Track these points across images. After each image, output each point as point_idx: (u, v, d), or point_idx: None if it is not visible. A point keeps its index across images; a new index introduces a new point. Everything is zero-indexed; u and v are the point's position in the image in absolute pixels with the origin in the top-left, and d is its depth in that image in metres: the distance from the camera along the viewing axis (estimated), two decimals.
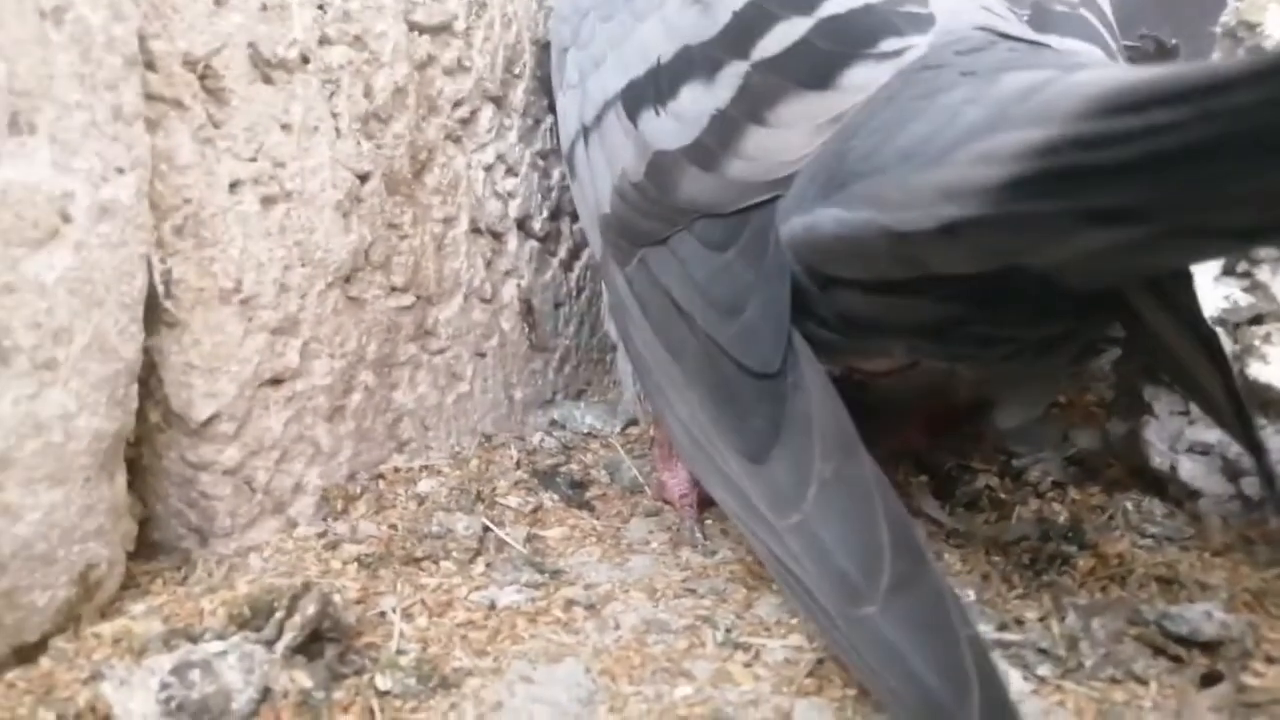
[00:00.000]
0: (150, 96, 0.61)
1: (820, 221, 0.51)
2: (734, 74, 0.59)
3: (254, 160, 0.67)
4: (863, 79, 0.54)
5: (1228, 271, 0.66)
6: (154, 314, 0.63)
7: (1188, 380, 0.61)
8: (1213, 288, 0.65)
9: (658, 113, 0.63)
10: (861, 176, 0.49)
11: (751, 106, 0.58)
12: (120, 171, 0.58)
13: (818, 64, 0.56)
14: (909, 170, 0.46)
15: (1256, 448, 0.56)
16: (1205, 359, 0.56)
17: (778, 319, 0.54)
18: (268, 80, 0.68)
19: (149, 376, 0.64)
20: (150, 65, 0.61)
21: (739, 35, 0.59)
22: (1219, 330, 0.62)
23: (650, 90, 0.64)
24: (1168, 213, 0.39)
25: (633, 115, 0.65)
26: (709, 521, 0.75)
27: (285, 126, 0.69)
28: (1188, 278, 0.58)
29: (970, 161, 0.42)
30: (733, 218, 0.58)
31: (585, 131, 0.73)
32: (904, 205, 0.45)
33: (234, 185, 0.66)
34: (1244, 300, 0.64)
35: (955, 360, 0.60)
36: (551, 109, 0.92)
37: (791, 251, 0.55)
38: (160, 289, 0.63)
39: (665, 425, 0.61)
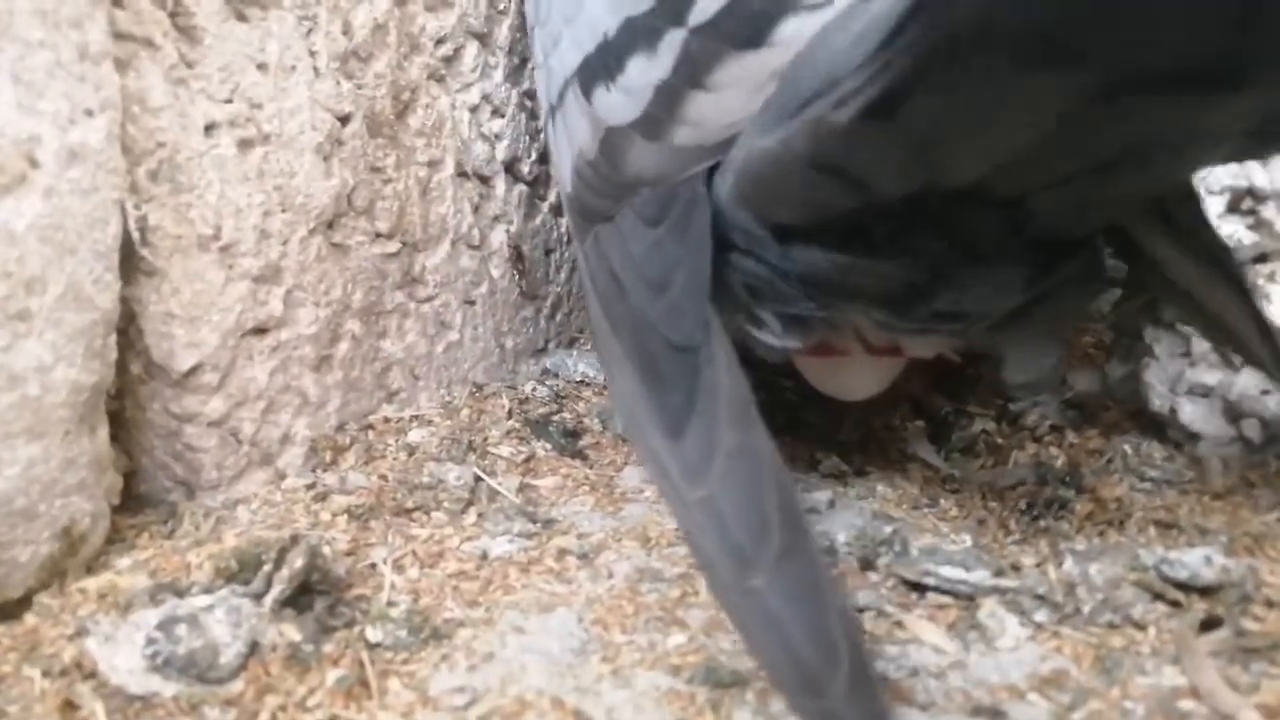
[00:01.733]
0: (119, 35, 0.59)
1: (752, 147, 0.52)
2: (673, 42, 0.58)
3: (229, 101, 0.65)
4: (794, 31, 0.53)
5: (1232, 209, 0.64)
6: (130, 262, 0.61)
7: (1199, 312, 0.59)
8: (1217, 226, 0.63)
9: (608, 89, 0.63)
10: (791, 108, 0.49)
11: (691, 73, 0.57)
12: (89, 114, 0.56)
13: (750, 22, 0.55)
14: (830, 67, 0.46)
15: None
16: (1220, 284, 0.55)
17: (699, 289, 0.55)
18: (242, 17, 0.65)
19: (128, 327, 0.63)
20: (118, 2, 0.59)
21: (675, 2, 0.59)
22: None
23: (601, 67, 0.64)
24: (1101, 35, 0.35)
25: (587, 93, 0.65)
26: None
27: (261, 66, 0.66)
28: (1193, 199, 0.57)
29: (880, 20, 0.40)
30: (668, 192, 0.59)
31: (553, 111, 0.73)
32: (826, 102, 0.44)
33: (209, 128, 0.64)
34: (1248, 238, 0.63)
35: (927, 332, 0.59)
36: None
37: (736, 194, 0.55)
38: (136, 236, 0.61)
39: (610, 396, 0.62)
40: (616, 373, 0.60)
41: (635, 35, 0.61)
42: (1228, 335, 0.59)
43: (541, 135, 0.94)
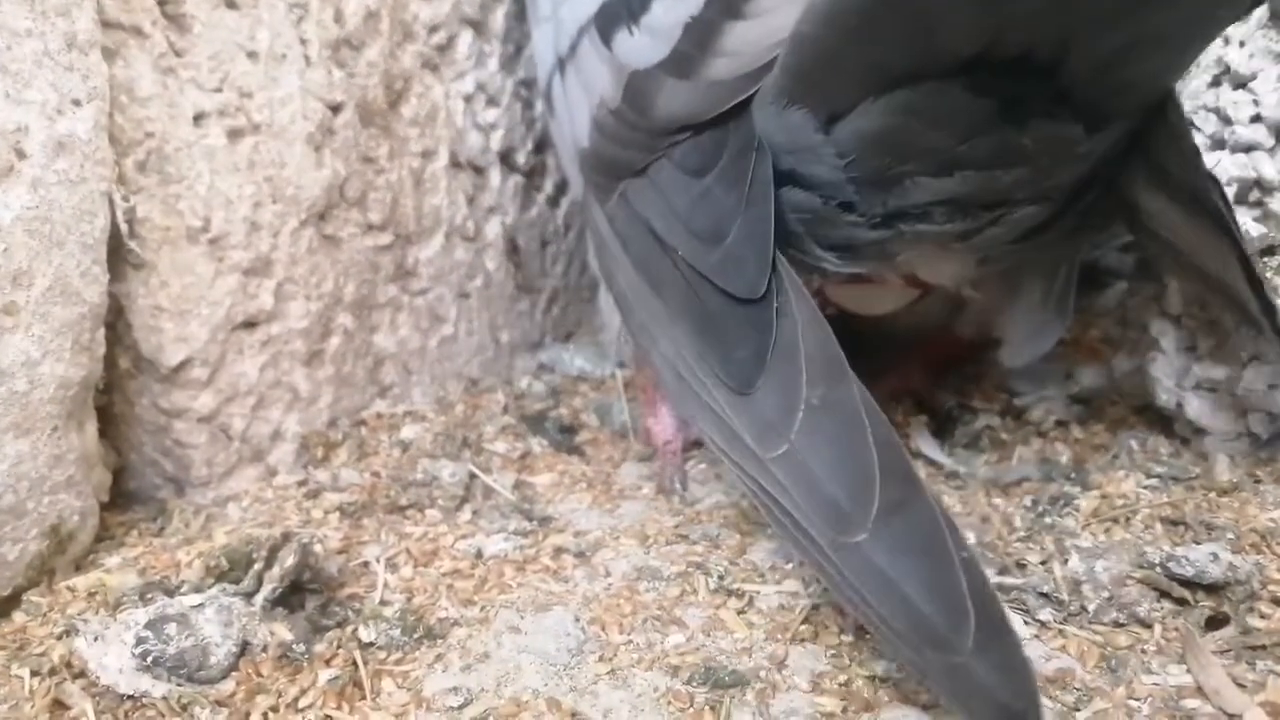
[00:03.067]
0: (107, 23, 0.58)
1: (810, 12, 0.48)
2: None
3: (219, 91, 0.63)
4: None
5: (1240, 201, 0.64)
6: (119, 255, 0.60)
7: (1195, 270, 0.58)
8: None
9: (631, 31, 0.60)
10: None
11: (728, 3, 0.55)
12: (76, 104, 0.55)
13: None
14: None
15: (1270, 310, 0.54)
16: (1213, 232, 0.54)
17: (762, 241, 0.52)
18: (232, 5, 0.64)
19: (117, 321, 0.62)
20: None
21: None
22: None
23: (622, 9, 0.62)
24: None
25: (607, 38, 0.63)
26: (702, 465, 0.74)
27: (251, 54, 0.65)
28: (1186, 140, 0.55)
29: None
30: (709, 140, 0.56)
31: (561, 64, 0.70)
32: None
33: (199, 117, 0.63)
34: (1256, 230, 0.62)
35: (957, 230, 0.56)
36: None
37: (787, 85, 0.52)
38: (124, 228, 0.60)
39: (650, 364, 0.59)
40: (660, 334, 0.57)
41: None
42: (1223, 292, 0.58)
43: (541, 103, 0.91)
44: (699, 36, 0.56)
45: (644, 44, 0.59)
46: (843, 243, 0.56)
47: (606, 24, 0.63)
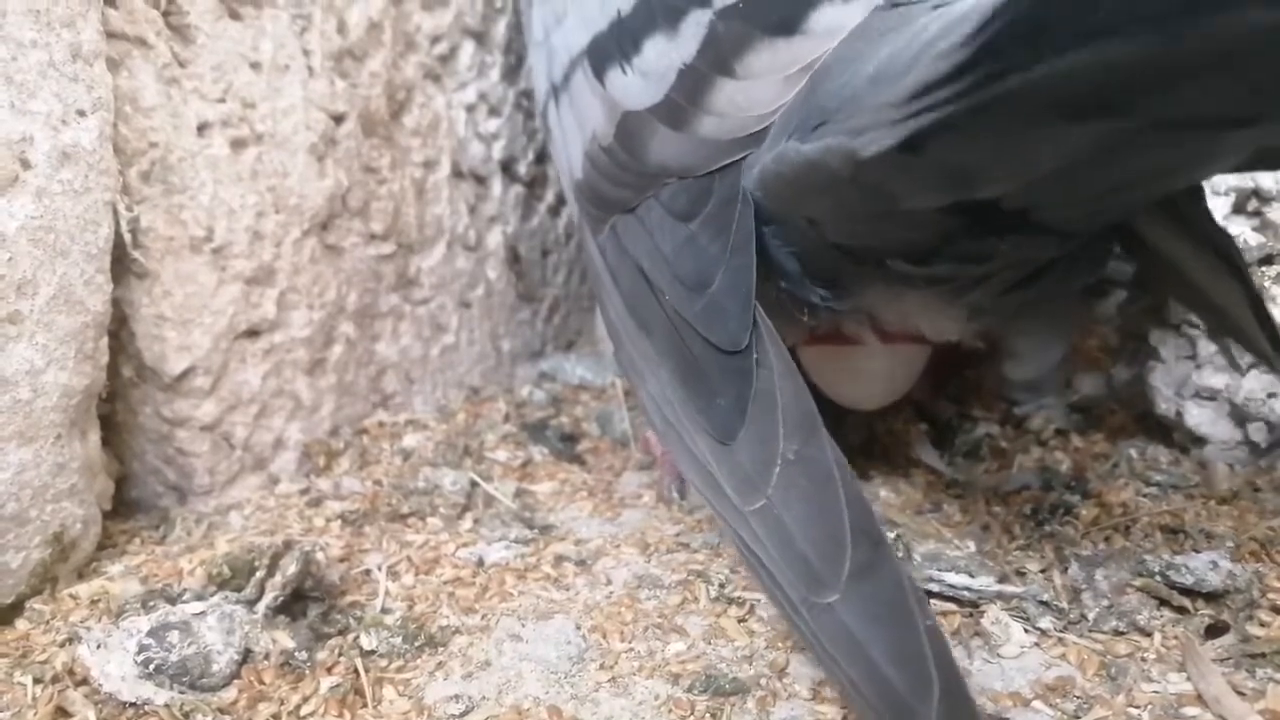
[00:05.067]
0: (111, 34, 0.58)
1: (786, 153, 0.49)
2: (697, 23, 0.55)
3: (222, 101, 0.64)
4: (831, 21, 0.51)
5: (1238, 210, 0.64)
6: (122, 264, 0.61)
7: (1202, 301, 0.58)
8: (1222, 227, 0.63)
9: (624, 70, 0.60)
10: (830, 113, 0.47)
11: (718, 58, 0.54)
12: (81, 114, 0.55)
13: (783, 7, 0.53)
14: (875, 90, 0.44)
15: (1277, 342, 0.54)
16: (1223, 275, 0.54)
17: (744, 294, 0.52)
18: (235, 16, 0.64)
19: (120, 330, 0.62)
20: (110, 1, 0.58)
21: None
22: None
23: (614, 46, 0.61)
24: (1149, 94, 0.35)
25: (599, 74, 0.62)
26: None
27: (255, 65, 0.65)
28: (1197, 192, 0.56)
29: (933, 59, 0.39)
30: (698, 185, 0.56)
31: (555, 91, 0.70)
32: (868, 126, 0.43)
33: (202, 128, 0.63)
34: (1254, 240, 0.62)
35: (943, 291, 0.57)
36: None
37: (762, 191, 0.53)
38: (128, 238, 0.60)
39: (639, 400, 0.59)
40: (648, 372, 0.57)
41: (653, 14, 0.58)
42: (1230, 325, 0.58)
43: (539, 124, 0.91)
44: (690, 88, 0.56)
45: (636, 85, 0.59)
46: (832, 277, 0.56)
47: (599, 59, 0.63)
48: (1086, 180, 0.44)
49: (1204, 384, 0.67)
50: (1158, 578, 0.54)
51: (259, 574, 0.54)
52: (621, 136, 0.60)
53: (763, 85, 0.53)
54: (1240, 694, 0.46)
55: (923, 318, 0.61)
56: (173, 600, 0.54)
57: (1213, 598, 0.53)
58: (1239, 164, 0.44)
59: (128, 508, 0.66)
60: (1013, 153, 0.41)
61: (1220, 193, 0.63)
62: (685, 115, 0.56)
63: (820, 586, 0.44)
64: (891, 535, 0.60)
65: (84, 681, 0.49)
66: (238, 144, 0.65)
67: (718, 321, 0.52)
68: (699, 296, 0.53)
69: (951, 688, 0.40)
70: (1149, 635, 0.51)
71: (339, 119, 0.72)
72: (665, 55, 0.57)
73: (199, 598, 0.53)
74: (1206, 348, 0.67)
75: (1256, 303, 0.54)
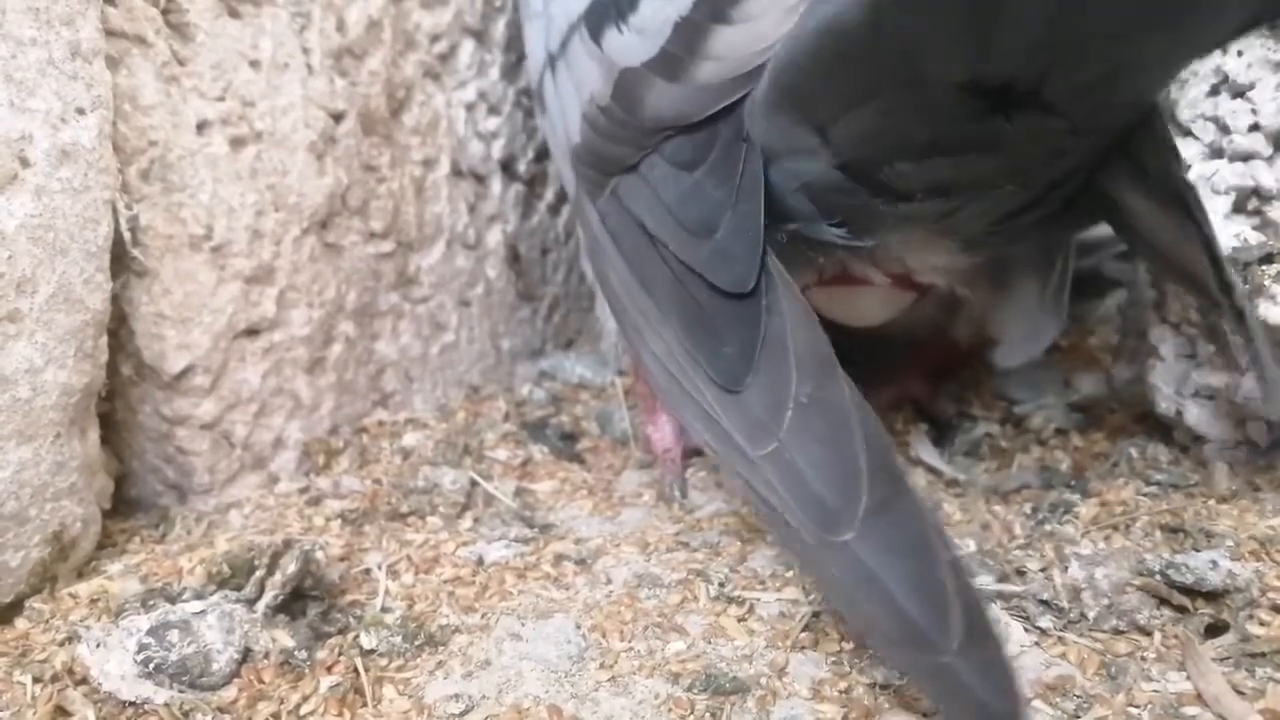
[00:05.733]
0: (110, 32, 0.58)
1: (798, 33, 0.48)
2: None
3: (222, 99, 0.64)
4: None
5: (1238, 210, 0.64)
6: (122, 263, 0.61)
7: (1166, 261, 0.58)
8: (1223, 226, 0.63)
9: (620, 30, 0.60)
10: None
11: (715, 7, 0.55)
12: (80, 112, 0.55)
13: None
14: None
15: (1239, 314, 0.53)
16: (1182, 219, 0.54)
17: (751, 236, 0.52)
18: (234, 14, 0.64)
19: (119, 328, 0.62)
20: None
21: None
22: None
23: (610, 7, 0.61)
24: None
25: (596, 36, 0.62)
26: (702, 473, 0.74)
27: (254, 63, 0.65)
28: (1169, 148, 0.56)
29: None
30: (701, 134, 0.56)
31: (552, 60, 0.70)
32: None
33: (201, 126, 0.63)
34: (1254, 238, 0.62)
35: (936, 210, 0.56)
36: None
37: (773, 95, 0.52)
38: (127, 236, 0.60)
39: (643, 365, 0.59)
40: (650, 333, 0.56)
41: None
42: (1192, 281, 0.58)
43: (534, 100, 0.89)
44: (687, 38, 0.56)
45: (633, 42, 0.59)
46: (843, 213, 0.56)
47: (596, 22, 0.63)
48: (1098, 18, 0.42)
49: (1204, 383, 0.67)
50: (1158, 577, 0.54)
51: (259, 573, 0.54)
52: (619, 95, 0.60)
53: (763, 23, 0.53)
54: (1240, 693, 0.46)
55: (923, 252, 0.61)
56: (172, 599, 0.54)
57: (1213, 597, 0.53)
58: (1254, 7, 0.42)
59: (127, 506, 0.66)
60: None
61: (1220, 192, 0.63)
62: (682, 65, 0.56)
63: (836, 525, 0.43)
64: None
65: (83, 680, 0.49)
66: (237, 142, 0.65)
67: (724, 266, 0.52)
68: (705, 242, 0.53)
69: (973, 618, 0.39)
70: (1149, 634, 0.51)
71: (338, 117, 0.72)
72: (661, 11, 0.57)
73: (199, 596, 0.53)
74: (1206, 347, 0.67)
75: (1209, 245, 0.54)
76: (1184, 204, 0.54)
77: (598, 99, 0.62)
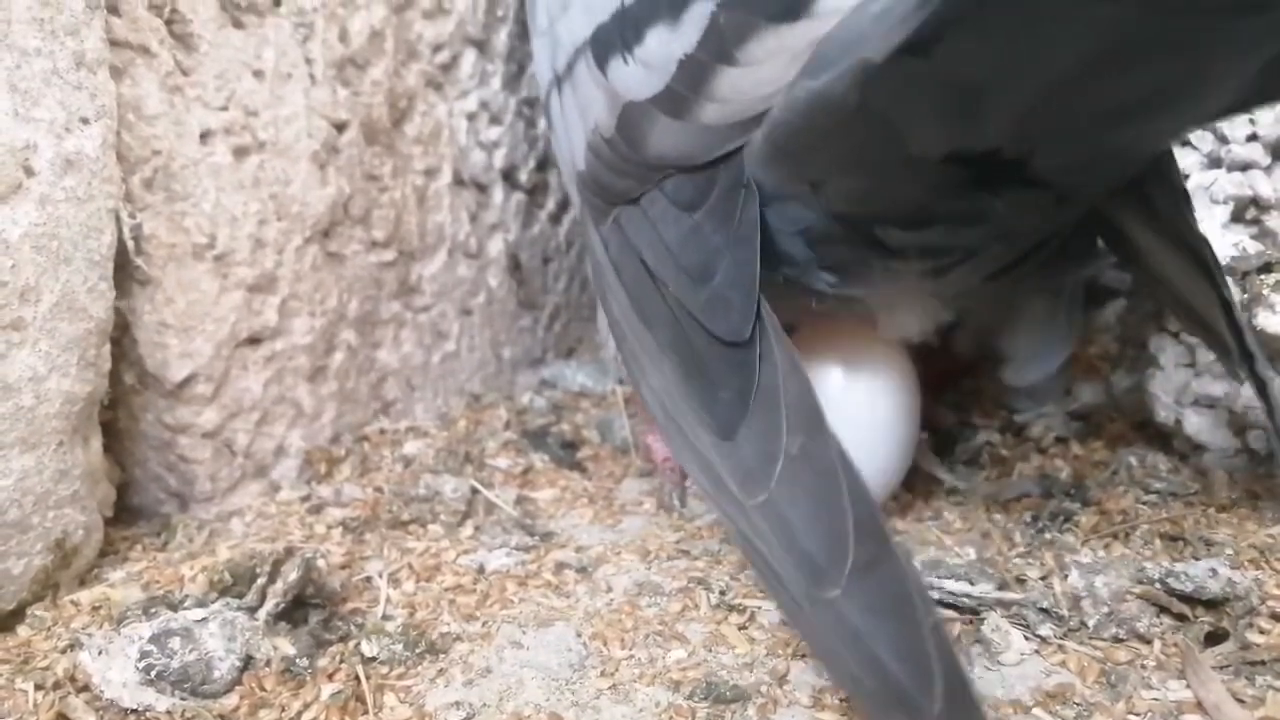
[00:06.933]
0: (115, 42, 0.59)
1: (794, 93, 0.49)
2: (700, 14, 0.55)
3: (225, 109, 0.64)
4: (839, 2, 0.50)
5: (1236, 219, 0.64)
6: (125, 271, 0.61)
7: (1176, 299, 0.59)
8: (1221, 235, 0.63)
9: (626, 61, 0.59)
10: (836, 57, 0.47)
11: (720, 47, 0.54)
12: (85, 122, 0.56)
13: None
14: (881, 19, 0.44)
15: (1260, 385, 0.54)
16: (1199, 275, 0.54)
17: (748, 284, 0.52)
18: (238, 24, 0.65)
19: (122, 337, 0.62)
20: (114, 9, 0.58)
21: None
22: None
23: (617, 36, 0.61)
24: None
25: (602, 64, 0.62)
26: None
27: (257, 73, 0.66)
28: (1177, 192, 0.56)
29: None
30: (701, 176, 0.56)
31: (558, 81, 0.69)
32: (875, 37, 0.43)
33: (205, 135, 0.63)
34: (1253, 248, 0.62)
35: (937, 268, 0.57)
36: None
37: (768, 150, 0.52)
38: (130, 245, 0.60)
39: (641, 397, 0.59)
40: (650, 366, 0.56)
41: (657, 4, 0.58)
42: (1201, 326, 0.58)
43: (542, 112, 0.90)
44: (692, 77, 0.55)
45: (638, 75, 0.59)
46: (837, 261, 0.56)
47: (601, 50, 0.62)
48: (1085, 105, 0.43)
49: (1203, 392, 0.67)
50: (1157, 585, 0.54)
51: (260, 581, 0.54)
52: (623, 128, 0.59)
53: (766, 69, 0.53)
54: (1240, 701, 0.46)
55: (911, 309, 0.62)
56: (174, 607, 0.54)
57: (1212, 605, 0.53)
58: (1242, 93, 0.43)
59: (129, 514, 0.66)
60: (1018, 55, 0.41)
61: (1219, 201, 0.63)
62: (686, 104, 0.55)
63: (823, 582, 0.44)
64: None
65: (85, 688, 0.49)
66: (240, 152, 0.65)
67: (720, 313, 0.52)
68: (702, 288, 0.53)
69: (954, 683, 0.40)
70: (1149, 642, 0.51)
71: (341, 127, 0.72)
72: (667, 45, 0.57)
73: (200, 604, 0.54)
74: (1205, 355, 0.67)
75: (1227, 308, 0.55)
76: (1201, 260, 0.55)
77: (602, 129, 0.62)
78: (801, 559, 0.45)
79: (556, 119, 0.71)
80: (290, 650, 0.51)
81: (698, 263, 0.54)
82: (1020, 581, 0.57)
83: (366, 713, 0.48)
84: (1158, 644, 0.51)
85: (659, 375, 0.55)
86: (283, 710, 0.48)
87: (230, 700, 0.48)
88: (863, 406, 0.65)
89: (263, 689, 0.49)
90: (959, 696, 0.40)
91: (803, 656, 0.51)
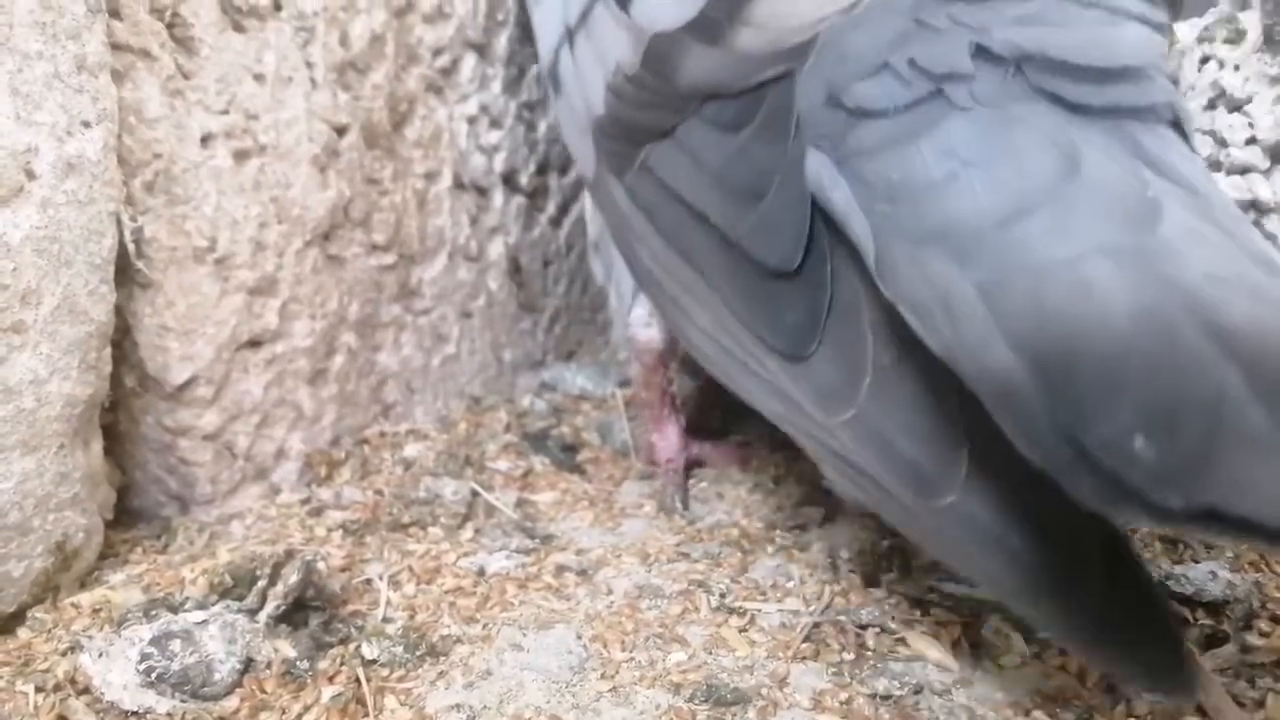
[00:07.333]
0: (116, 46, 0.59)
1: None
2: None
3: (226, 113, 0.64)
4: None
5: None
6: (126, 274, 0.61)
7: None
8: None
9: None
10: None
11: None
12: (86, 125, 0.56)
13: None
14: None
15: None
16: None
17: (801, 205, 0.49)
18: (239, 28, 0.65)
19: (123, 339, 0.63)
20: (115, 13, 0.58)
21: None
22: None
23: None
24: None
25: (624, 3, 0.60)
26: (703, 484, 0.74)
27: (258, 77, 0.66)
28: None
29: None
30: (747, 96, 0.53)
31: (570, 35, 0.68)
32: None
33: (206, 139, 0.63)
34: None
35: None
36: (537, 58, 0.89)
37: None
38: (131, 248, 0.60)
39: (687, 341, 0.57)
40: (695, 306, 0.54)
41: None
42: None
43: (546, 81, 0.85)
44: (727, 2, 0.53)
45: (667, 5, 0.57)
46: None
47: None
48: None
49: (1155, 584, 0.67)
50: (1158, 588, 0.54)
51: (261, 583, 0.54)
52: (650, 61, 0.57)
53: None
54: (1240, 704, 0.46)
55: None
56: (175, 609, 0.54)
57: (1212, 607, 0.53)
58: None
59: (130, 517, 0.66)
60: None
61: None
62: (721, 29, 0.54)
63: (934, 490, 0.43)
64: (887, 545, 0.60)
65: (86, 690, 0.49)
66: (241, 155, 0.65)
67: (773, 236, 0.50)
68: (751, 210, 0.51)
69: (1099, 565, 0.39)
70: None
71: (341, 130, 0.72)
72: None
73: (201, 607, 0.54)
74: None
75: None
76: None
77: (625, 68, 0.60)
78: (904, 469, 0.44)
79: (567, 76, 0.69)
80: (291, 653, 0.51)
81: (745, 185, 0.52)
82: None
83: (367, 715, 0.48)
84: None
85: (706, 313, 0.54)
86: (283, 713, 0.48)
87: (231, 702, 0.48)
88: None
89: (263, 691, 0.49)
90: (1114, 592, 0.39)
91: (803, 659, 0.51)
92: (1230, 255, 0.39)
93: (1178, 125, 0.47)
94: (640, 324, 0.70)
